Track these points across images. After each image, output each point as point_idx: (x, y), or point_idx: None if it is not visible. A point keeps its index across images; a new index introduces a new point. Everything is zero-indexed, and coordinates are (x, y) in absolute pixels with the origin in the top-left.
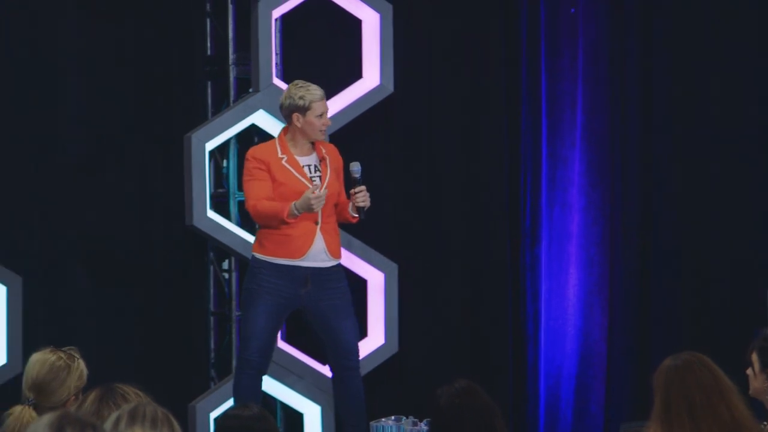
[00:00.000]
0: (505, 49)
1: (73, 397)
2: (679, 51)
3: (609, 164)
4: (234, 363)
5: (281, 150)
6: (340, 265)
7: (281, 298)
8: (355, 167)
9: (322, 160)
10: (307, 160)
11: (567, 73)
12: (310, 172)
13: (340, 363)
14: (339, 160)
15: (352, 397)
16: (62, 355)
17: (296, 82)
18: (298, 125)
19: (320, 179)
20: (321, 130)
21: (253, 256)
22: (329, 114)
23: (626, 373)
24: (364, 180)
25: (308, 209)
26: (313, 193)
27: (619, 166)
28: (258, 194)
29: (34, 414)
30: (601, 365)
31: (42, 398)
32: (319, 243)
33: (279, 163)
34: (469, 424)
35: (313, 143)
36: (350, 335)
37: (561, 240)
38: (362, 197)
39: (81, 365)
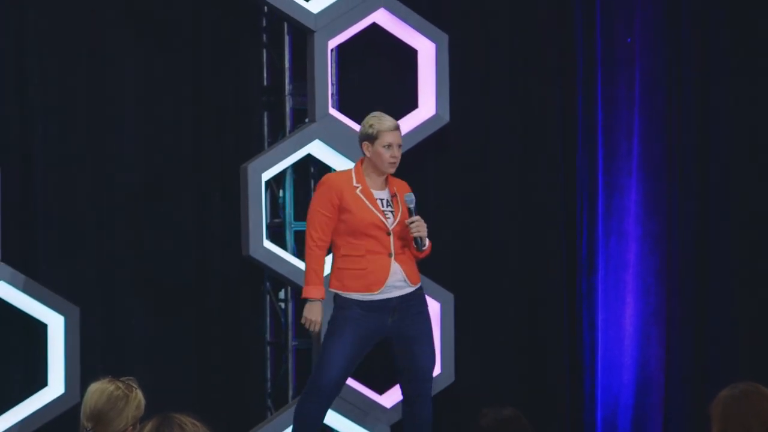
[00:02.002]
0: (561, 78)
1: (131, 428)
2: (736, 79)
3: (665, 193)
4: (291, 392)
5: (356, 179)
6: (421, 288)
7: (368, 330)
8: (408, 197)
9: (393, 196)
10: (381, 194)
11: (623, 102)
12: (383, 206)
13: (413, 388)
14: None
15: (421, 424)
16: (120, 385)
17: (374, 112)
18: (368, 154)
19: (392, 214)
20: (390, 162)
21: (335, 294)
22: None
23: (683, 403)
24: (419, 210)
25: (306, 314)
26: (311, 320)
27: (676, 196)
28: (321, 236)
29: None
30: (659, 395)
31: (100, 428)
32: (396, 273)
33: (353, 192)
34: None
35: (386, 179)
36: (428, 362)
37: (617, 269)
38: (416, 227)
39: (139, 395)
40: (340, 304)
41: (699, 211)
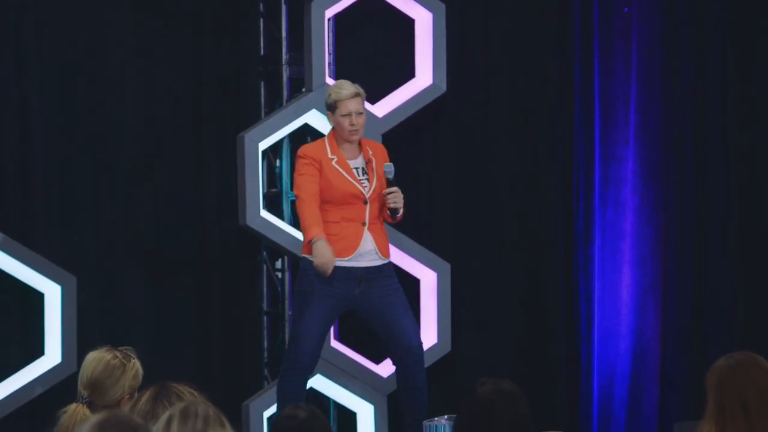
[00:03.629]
0: (559, 48)
1: (128, 396)
2: (733, 49)
3: (663, 163)
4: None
5: (331, 150)
6: (390, 263)
7: (335, 300)
8: (387, 168)
9: (368, 162)
10: (356, 162)
11: (620, 72)
12: (359, 175)
13: (402, 357)
14: (385, 160)
15: (415, 389)
16: (118, 354)
17: (337, 81)
18: (332, 125)
19: (369, 182)
20: (350, 131)
21: (303, 258)
22: (381, 113)
23: (680, 373)
24: (414, 179)
25: (315, 260)
26: (321, 262)
27: (673, 165)
28: (308, 189)
29: (87, 412)
30: (655, 365)
31: (96, 396)
32: (367, 243)
33: (330, 163)
34: (495, 422)
35: (359, 145)
36: (408, 329)
37: (614, 239)
38: (393, 198)
39: (136, 365)
40: (305, 272)
41: (696, 180)
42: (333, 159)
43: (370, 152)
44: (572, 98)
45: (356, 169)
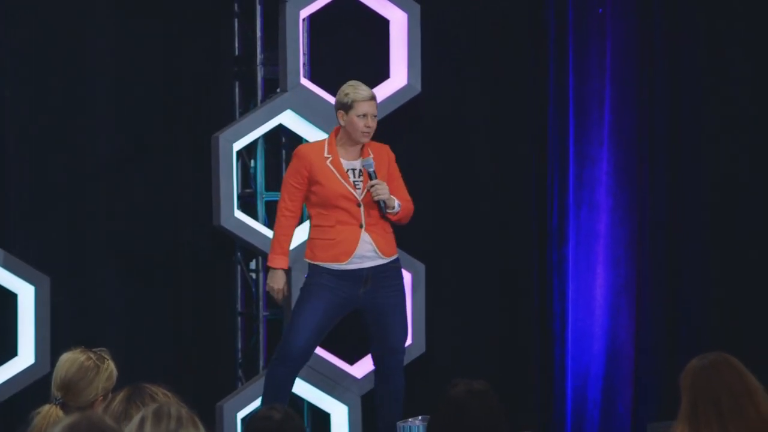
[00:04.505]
0: (533, 48)
1: (101, 398)
2: (708, 50)
3: (637, 164)
4: (261, 363)
5: (328, 149)
6: (397, 260)
7: (339, 298)
8: (366, 162)
9: (364, 158)
10: (353, 164)
11: (595, 73)
12: (354, 177)
13: (387, 358)
14: (390, 159)
15: (393, 392)
16: (92, 355)
17: (351, 81)
18: (342, 123)
19: (363, 184)
20: (363, 132)
21: (308, 263)
22: None
23: (653, 373)
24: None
25: (267, 284)
26: (274, 288)
27: (647, 167)
28: (287, 203)
29: (60, 413)
30: (629, 366)
31: (69, 397)
32: (366, 244)
33: (323, 162)
34: (468, 423)
35: (362, 147)
36: (399, 334)
37: (588, 240)
38: (375, 191)
39: (110, 366)
40: (311, 272)
41: (670, 182)
42: (328, 158)
43: (371, 154)
44: (547, 98)
45: (352, 170)
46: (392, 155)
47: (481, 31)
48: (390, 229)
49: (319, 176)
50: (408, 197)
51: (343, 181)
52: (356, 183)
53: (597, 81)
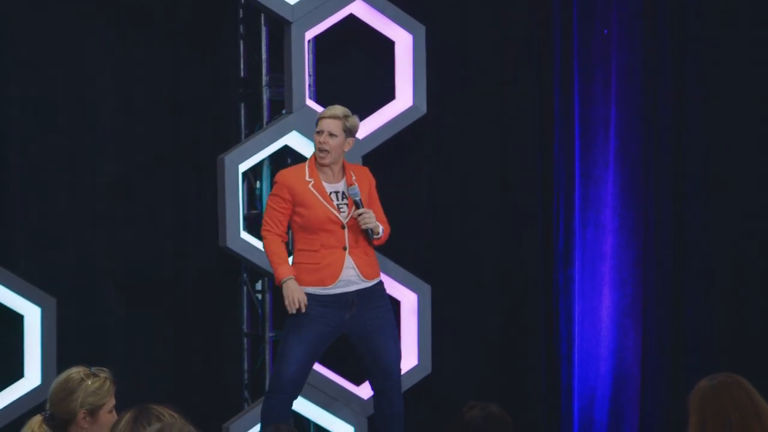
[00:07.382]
0: (538, 70)
1: (83, 412)
2: (713, 73)
3: (642, 186)
4: (267, 383)
5: (309, 173)
6: (381, 283)
7: (327, 327)
8: (352, 191)
9: (350, 186)
10: (335, 186)
11: (600, 96)
12: (337, 200)
13: (382, 381)
14: (371, 183)
15: (392, 416)
16: (84, 370)
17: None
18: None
19: (347, 207)
20: (319, 149)
21: None
22: (362, 134)
23: (660, 395)
24: (394, 200)
25: (286, 300)
26: (293, 299)
27: (652, 188)
28: (271, 227)
29: (44, 427)
30: (635, 388)
31: (54, 409)
32: (349, 269)
33: (305, 187)
34: None
35: (343, 169)
36: (393, 354)
37: (594, 261)
38: (363, 219)
39: (98, 383)
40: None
41: (676, 203)
42: (310, 182)
43: (354, 177)
44: (552, 121)
45: (335, 193)
46: (373, 180)
47: (486, 53)
48: (372, 253)
49: (304, 201)
50: (385, 218)
51: (327, 205)
52: (340, 206)
53: (602, 103)
